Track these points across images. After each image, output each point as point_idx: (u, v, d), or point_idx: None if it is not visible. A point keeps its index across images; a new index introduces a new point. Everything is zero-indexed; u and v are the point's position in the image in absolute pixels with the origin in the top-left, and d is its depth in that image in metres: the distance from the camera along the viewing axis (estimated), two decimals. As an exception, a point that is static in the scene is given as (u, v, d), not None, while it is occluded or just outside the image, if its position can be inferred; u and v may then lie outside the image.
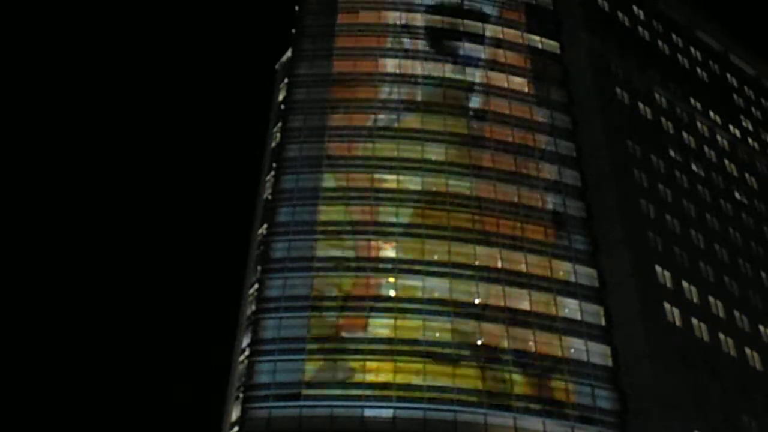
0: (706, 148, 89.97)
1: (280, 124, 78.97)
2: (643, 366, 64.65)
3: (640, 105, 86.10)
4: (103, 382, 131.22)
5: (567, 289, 70.25)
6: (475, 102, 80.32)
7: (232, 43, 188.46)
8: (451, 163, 75.33)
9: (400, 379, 63.00)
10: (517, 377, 64.14)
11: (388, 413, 61.71)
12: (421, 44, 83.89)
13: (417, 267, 68.63)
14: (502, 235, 71.71)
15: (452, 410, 61.87)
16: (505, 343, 65.70)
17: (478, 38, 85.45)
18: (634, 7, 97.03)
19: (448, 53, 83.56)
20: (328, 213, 71.52)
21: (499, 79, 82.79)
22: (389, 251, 69.71)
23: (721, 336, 72.02)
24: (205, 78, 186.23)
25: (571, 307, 69.20)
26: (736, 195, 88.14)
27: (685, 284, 72.94)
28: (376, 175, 73.86)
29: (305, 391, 62.27)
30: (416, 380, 63.02)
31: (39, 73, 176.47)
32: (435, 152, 75.84)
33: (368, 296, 66.97)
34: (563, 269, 71.34)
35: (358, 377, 62.99)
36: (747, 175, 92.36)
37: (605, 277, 71.27)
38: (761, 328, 76.67)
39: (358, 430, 60.88)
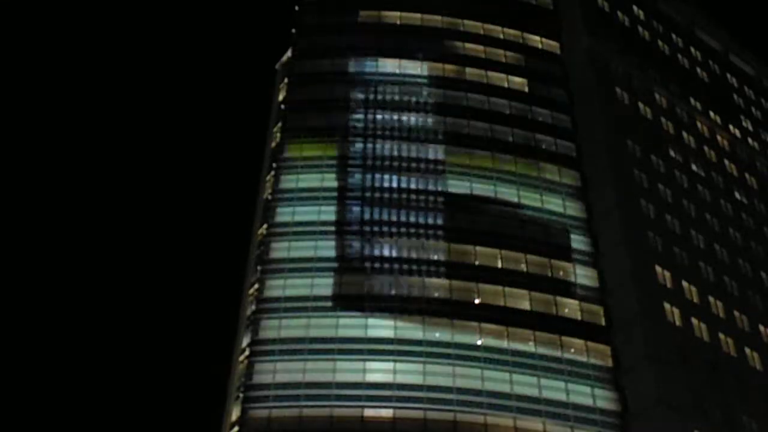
0: (706, 148, 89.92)
1: (280, 124, 78.94)
2: (643, 366, 64.64)
3: (640, 105, 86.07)
4: (103, 382, 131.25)
5: (567, 289, 70.28)
6: (475, 102, 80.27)
7: (232, 43, 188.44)
8: (451, 164, 75.35)
9: (400, 379, 63.04)
10: (517, 377, 64.15)
11: (388, 413, 61.75)
12: (420, 44, 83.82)
13: (417, 267, 68.68)
14: (502, 234, 71.72)
15: (452, 410, 61.92)
16: (504, 343, 65.74)
17: (478, 38, 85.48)
18: (634, 7, 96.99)
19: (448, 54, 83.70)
20: (328, 213, 71.52)
21: (499, 79, 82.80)
22: (389, 251, 69.72)
23: (721, 336, 71.99)
24: (205, 78, 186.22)
25: (571, 307, 69.25)
26: (736, 195, 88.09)
27: (685, 284, 72.91)
28: (376, 175, 73.87)
29: (305, 391, 62.29)
30: (416, 380, 63.06)
31: (39, 73, 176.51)
32: (435, 152, 75.87)
33: (368, 296, 66.99)
34: (563, 269, 71.38)
35: (358, 377, 63.01)
36: (747, 175, 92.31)
37: (605, 277, 71.28)
38: (761, 328, 76.62)
39: (358, 430, 60.91)
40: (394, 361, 63.72)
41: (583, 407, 64.00)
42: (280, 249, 70.19)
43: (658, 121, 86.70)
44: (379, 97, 79.25)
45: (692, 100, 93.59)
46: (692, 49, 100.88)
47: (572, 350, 66.73)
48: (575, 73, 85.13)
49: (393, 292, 67.52)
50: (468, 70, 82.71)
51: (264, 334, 65.85)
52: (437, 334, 65.52)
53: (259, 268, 69.70)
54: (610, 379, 65.97)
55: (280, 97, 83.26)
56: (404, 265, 68.69)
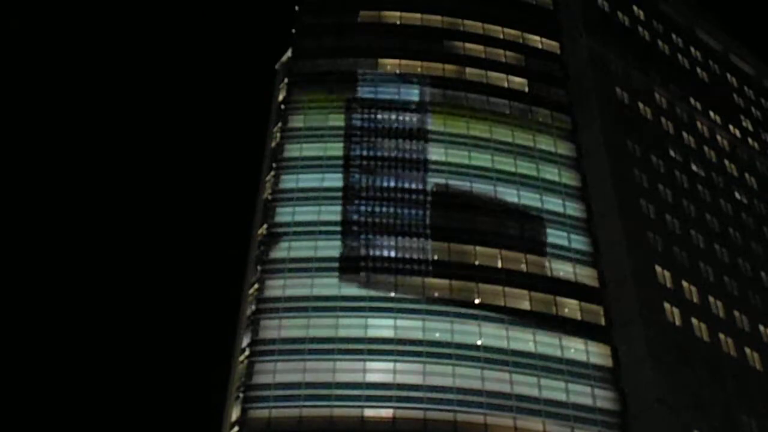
0: (706, 148, 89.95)
1: (280, 124, 79.00)
2: (643, 366, 64.67)
3: (640, 105, 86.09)
4: (104, 382, 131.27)
5: (567, 288, 70.30)
6: (475, 102, 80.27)
7: (232, 43, 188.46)
8: (451, 164, 75.39)
9: (400, 379, 63.06)
10: (517, 377, 64.16)
11: (388, 413, 61.77)
12: (420, 44, 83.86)
13: (417, 267, 68.70)
14: (502, 234, 71.76)
15: (452, 410, 61.93)
16: (504, 343, 65.75)
17: (478, 38, 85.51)
18: (634, 7, 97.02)
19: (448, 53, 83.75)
20: (328, 213, 71.57)
21: (499, 79, 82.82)
22: (389, 251, 69.75)
23: (721, 336, 72.03)
24: (205, 78, 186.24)
25: (571, 307, 69.27)
26: (736, 195, 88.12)
27: (685, 284, 72.94)
28: (376, 175, 73.92)
29: (305, 391, 62.31)
30: (416, 380, 63.08)
31: (39, 73, 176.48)
32: (435, 152, 75.94)
33: (368, 296, 67.02)
34: (563, 269, 71.38)
35: (358, 377, 63.03)
36: (747, 175, 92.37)
37: (605, 277, 71.31)
38: (761, 328, 76.67)
39: (358, 430, 60.94)
40: (394, 361, 63.76)
41: (583, 407, 64.01)
42: (280, 249, 70.23)
43: (658, 121, 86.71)
44: (379, 97, 79.29)
45: (692, 100, 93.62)
46: (692, 49, 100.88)
47: (572, 350, 66.74)
48: (575, 73, 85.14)
49: (393, 292, 67.55)
50: (468, 70, 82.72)
51: (264, 334, 65.87)
52: (437, 334, 65.54)
53: (259, 268, 69.73)
54: (610, 379, 65.99)
55: (280, 97, 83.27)
56: (404, 265, 68.71)
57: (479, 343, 65.45)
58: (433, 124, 77.91)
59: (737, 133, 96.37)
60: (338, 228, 70.64)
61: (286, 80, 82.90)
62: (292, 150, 76.23)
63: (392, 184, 73.55)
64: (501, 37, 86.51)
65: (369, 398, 62.10)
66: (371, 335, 65.08)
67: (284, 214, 72.18)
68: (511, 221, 72.86)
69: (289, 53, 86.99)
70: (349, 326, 65.45)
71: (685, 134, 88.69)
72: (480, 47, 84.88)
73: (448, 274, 68.63)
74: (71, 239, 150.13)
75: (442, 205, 72.66)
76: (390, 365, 63.65)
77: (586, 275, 71.68)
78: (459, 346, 64.96)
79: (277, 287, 68.02)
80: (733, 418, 66.63)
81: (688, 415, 63.24)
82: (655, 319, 67.78)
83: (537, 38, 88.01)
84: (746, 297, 78.10)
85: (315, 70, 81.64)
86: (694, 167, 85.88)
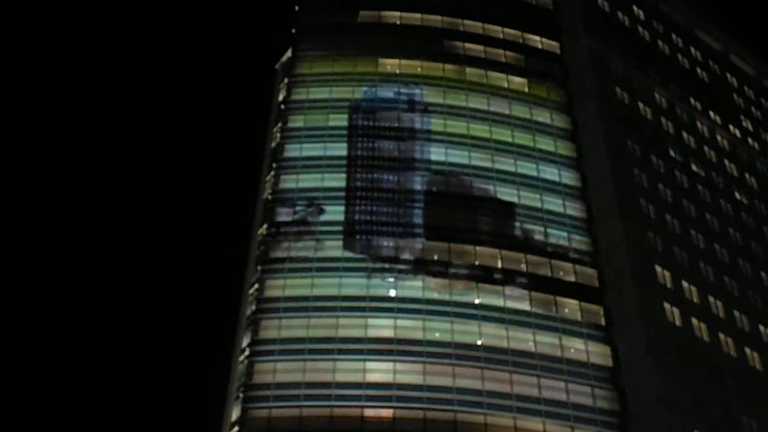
0: (706, 148, 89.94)
1: (280, 124, 79.02)
2: (643, 366, 64.66)
3: (640, 105, 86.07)
4: (103, 382, 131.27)
5: (567, 288, 70.29)
6: (475, 102, 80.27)
7: (232, 43, 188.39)
8: (451, 164, 75.40)
9: (400, 379, 63.05)
10: (517, 377, 64.14)
11: (388, 413, 61.75)
12: (420, 44, 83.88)
13: (417, 266, 68.70)
14: (502, 234, 71.77)
15: (452, 410, 61.92)
16: (504, 343, 65.75)
17: (478, 38, 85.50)
18: (634, 7, 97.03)
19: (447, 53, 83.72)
20: (328, 213, 71.57)
21: (499, 79, 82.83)
22: (389, 251, 69.75)
23: (721, 336, 72.00)
24: (205, 78, 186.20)
25: (571, 307, 69.27)
26: (736, 195, 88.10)
27: (685, 284, 72.91)
28: (376, 175, 73.93)
29: (305, 391, 62.30)
30: (416, 380, 63.06)
31: (39, 73, 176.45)
32: (435, 152, 75.94)
33: (368, 296, 67.02)
34: (563, 269, 71.39)
35: (358, 377, 63.02)
36: (747, 175, 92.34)
37: (605, 277, 71.30)
38: (761, 328, 76.64)
39: (358, 430, 60.93)
40: (394, 361, 63.75)
41: (583, 407, 64.00)
42: (280, 249, 70.23)
43: (658, 121, 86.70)
44: (379, 96, 79.29)
45: (692, 100, 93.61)
46: (692, 49, 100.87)
47: (572, 350, 66.75)
48: (575, 73, 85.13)
49: (393, 292, 67.55)
50: (468, 70, 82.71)
51: (264, 334, 65.87)
52: (437, 334, 65.54)
53: (259, 268, 69.75)
54: (610, 379, 66.00)
55: (280, 97, 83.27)
56: (404, 265, 68.71)
57: (479, 343, 65.43)
58: (433, 124, 77.89)
59: (737, 133, 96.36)
60: (338, 228, 70.65)
61: (286, 80, 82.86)
62: (292, 150, 76.24)
63: (392, 184, 73.55)
64: (501, 37, 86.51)
65: (369, 398, 62.08)
66: (371, 335, 65.06)
67: (284, 214, 72.20)
68: (511, 221, 72.87)
69: (289, 53, 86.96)
70: (349, 326, 65.44)
71: (685, 134, 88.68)
72: (480, 47, 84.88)
73: (448, 273, 68.64)
74: (71, 239, 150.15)
75: (442, 205, 72.66)
76: (390, 365, 63.62)
77: (586, 275, 71.69)
78: (459, 346, 64.94)
79: (277, 287, 68.03)
80: (733, 418, 66.60)
81: (688, 415, 63.20)
82: (655, 319, 67.78)
83: (537, 38, 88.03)
84: (746, 297, 78.08)
85: (315, 70, 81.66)
86: (694, 167, 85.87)
